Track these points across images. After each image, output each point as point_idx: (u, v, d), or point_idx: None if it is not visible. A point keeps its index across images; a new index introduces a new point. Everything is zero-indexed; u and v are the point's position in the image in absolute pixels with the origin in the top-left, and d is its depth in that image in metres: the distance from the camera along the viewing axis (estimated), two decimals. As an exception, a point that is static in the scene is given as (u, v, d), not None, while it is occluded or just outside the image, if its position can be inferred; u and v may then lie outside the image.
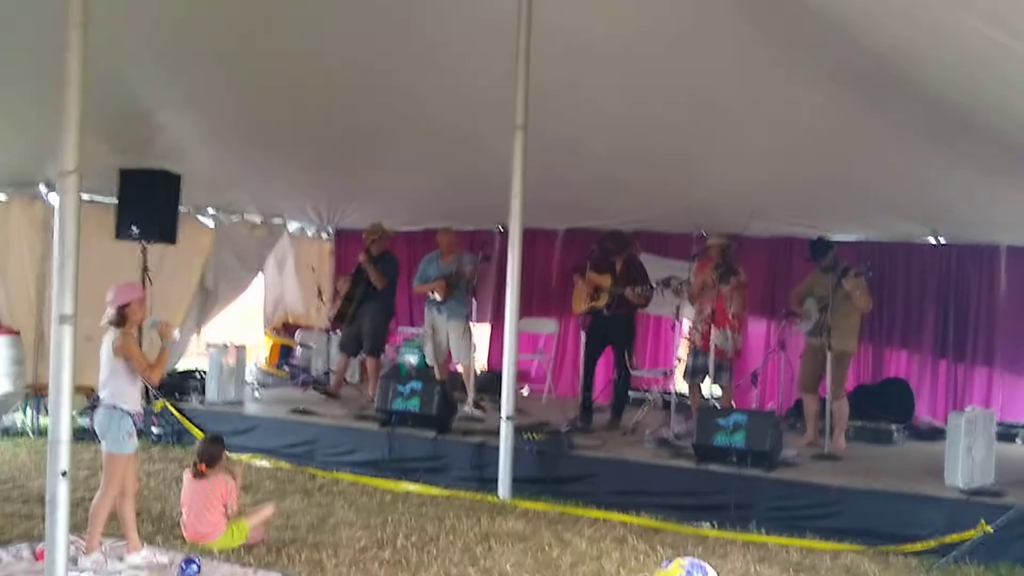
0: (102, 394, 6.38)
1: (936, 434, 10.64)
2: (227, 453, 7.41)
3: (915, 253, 12.36)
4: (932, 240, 12.19)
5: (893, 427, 10.76)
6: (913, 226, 11.89)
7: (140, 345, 6.59)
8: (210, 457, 7.03)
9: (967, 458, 7.89)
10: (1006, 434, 10.53)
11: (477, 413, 10.76)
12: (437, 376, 11.40)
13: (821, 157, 10.03)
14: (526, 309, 12.48)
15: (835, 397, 9.65)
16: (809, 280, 10.08)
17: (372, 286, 11.96)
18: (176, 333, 6.70)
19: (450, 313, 11.33)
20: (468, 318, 11.36)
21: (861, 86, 8.53)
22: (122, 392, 6.31)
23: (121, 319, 6.32)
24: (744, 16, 7.96)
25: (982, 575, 6.95)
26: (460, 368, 11.66)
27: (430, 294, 11.44)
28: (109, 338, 6.32)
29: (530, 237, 11.50)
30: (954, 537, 7.14)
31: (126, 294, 6.41)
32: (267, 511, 7.22)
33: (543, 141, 8.69)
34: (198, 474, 6.95)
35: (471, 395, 11.23)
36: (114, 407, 6.27)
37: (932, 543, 7.22)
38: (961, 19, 6.12)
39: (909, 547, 7.28)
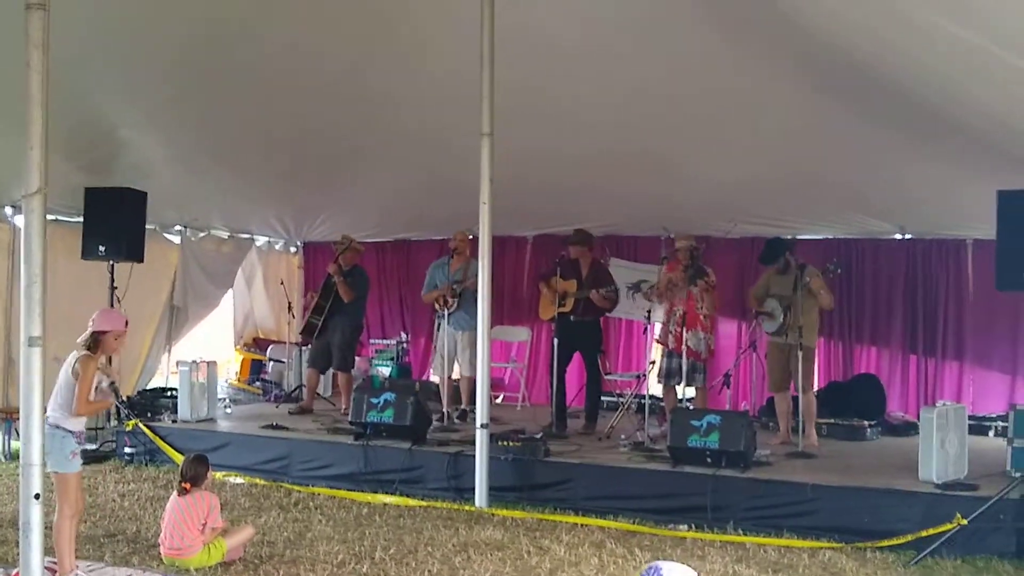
0: (48, 413, 6.17)
1: (909, 429, 10.72)
2: (212, 472, 7.38)
3: (882, 249, 12.43)
4: (899, 235, 12.26)
5: (866, 423, 10.81)
6: (880, 222, 11.95)
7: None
8: (194, 476, 7.00)
9: (940, 452, 7.94)
10: (978, 427, 10.58)
11: (456, 423, 10.72)
12: (441, 388, 11.36)
13: (788, 157, 10.13)
14: (498, 317, 12.48)
15: (805, 392, 9.71)
16: (765, 280, 10.14)
17: (341, 299, 11.88)
18: (110, 400, 6.57)
19: (456, 323, 11.24)
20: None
21: (828, 85, 8.60)
22: (66, 412, 6.17)
23: (93, 344, 6.19)
24: (712, 18, 8.03)
25: (959, 568, 6.98)
26: (459, 378, 11.58)
27: (436, 305, 11.37)
28: (73, 358, 6.20)
29: (500, 244, 11.51)
30: (930, 531, 7.18)
31: (106, 322, 6.30)
32: (246, 532, 7.18)
33: (510, 147, 8.68)
34: (182, 492, 6.92)
35: (464, 405, 11.22)
36: (56, 427, 6.14)
37: (908, 538, 7.25)
38: (926, 16, 6.18)
39: (886, 542, 7.31)
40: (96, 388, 6.27)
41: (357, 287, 11.96)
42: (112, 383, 6.48)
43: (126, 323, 6.53)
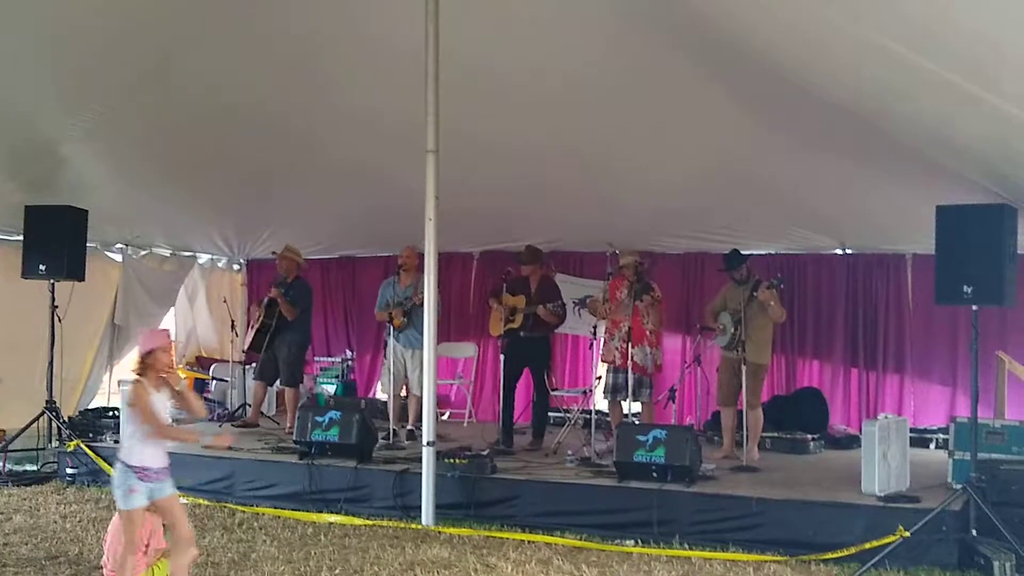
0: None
1: (851, 442, 10.85)
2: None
3: (824, 264, 12.58)
4: (840, 250, 12.40)
5: (809, 437, 10.91)
6: (821, 237, 12.09)
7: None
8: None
9: (883, 465, 8.04)
10: (920, 439, 10.73)
11: (404, 442, 10.67)
12: (389, 406, 11.23)
13: (730, 174, 10.25)
14: (444, 333, 12.45)
15: (751, 408, 9.77)
16: (722, 294, 10.21)
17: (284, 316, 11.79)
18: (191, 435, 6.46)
19: (406, 342, 11.12)
20: None
21: (767, 105, 8.73)
22: (130, 446, 5.95)
23: (143, 367, 5.99)
24: (649, 43, 8.15)
25: (902, 580, 7.08)
26: (408, 396, 11.46)
27: (386, 322, 11.21)
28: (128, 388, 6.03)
29: (446, 260, 11.50)
30: (873, 543, 7.25)
31: (149, 341, 6.11)
32: (189, 554, 7.08)
33: (452, 170, 8.69)
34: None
35: (411, 424, 11.13)
36: (120, 462, 5.94)
37: (852, 550, 7.32)
38: (861, 31, 6.28)
39: (830, 555, 7.37)
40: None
41: (300, 301, 11.88)
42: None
43: (168, 336, 6.35)
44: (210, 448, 5.92)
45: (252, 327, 12.33)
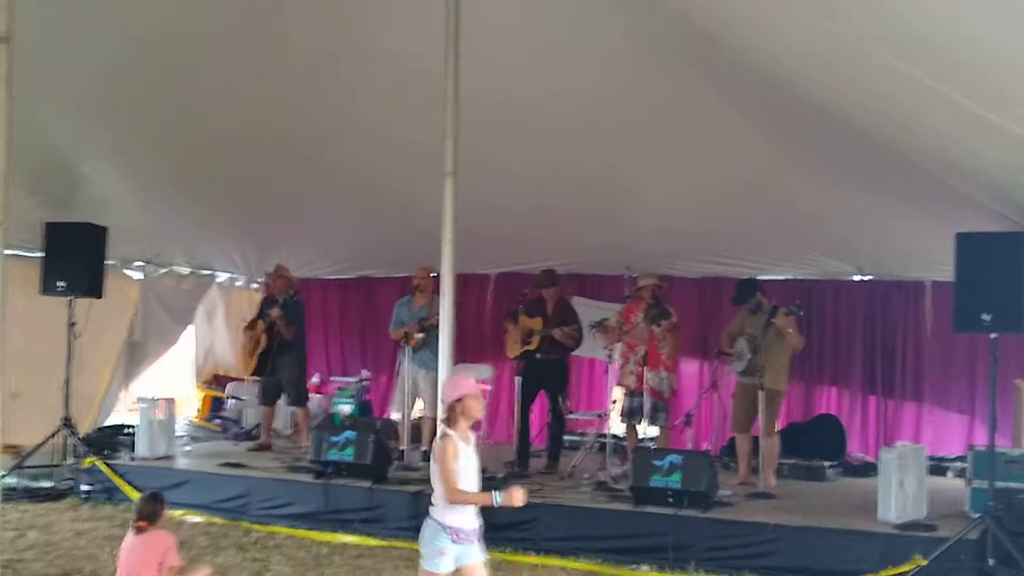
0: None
1: (868, 470, 10.77)
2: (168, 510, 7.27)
3: (842, 290, 12.51)
4: (858, 277, 12.35)
5: (825, 464, 10.85)
6: (839, 263, 12.04)
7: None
8: (150, 514, 6.86)
9: (899, 493, 8.00)
10: (937, 468, 10.66)
11: (417, 463, 10.64)
12: (400, 426, 11.23)
13: (747, 199, 10.22)
14: (460, 355, 12.43)
15: (767, 434, 9.73)
16: (739, 320, 10.18)
17: (283, 336, 11.81)
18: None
19: (421, 362, 11.11)
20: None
21: (783, 128, 8.73)
22: (444, 504, 5.33)
23: (451, 418, 5.39)
24: (662, 66, 8.18)
25: (918, 608, 7.03)
26: (420, 416, 11.45)
27: (402, 342, 11.27)
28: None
29: (463, 282, 11.50)
30: (890, 571, 7.21)
31: (457, 387, 5.49)
32: (203, 572, 7.04)
33: (469, 192, 8.71)
34: (138, 530, 6.80)
35: (424, 445, 11.05)
36: (433, 519, 5.37)
37: (868, 578, 7.29)
38: (879, 54, 6.27)
39: (846, 583, 7.34)
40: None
41: (296, 320, 11.91)
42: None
43: (477, 382, 5.72)
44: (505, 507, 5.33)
45: (252, 352, 12.27)
